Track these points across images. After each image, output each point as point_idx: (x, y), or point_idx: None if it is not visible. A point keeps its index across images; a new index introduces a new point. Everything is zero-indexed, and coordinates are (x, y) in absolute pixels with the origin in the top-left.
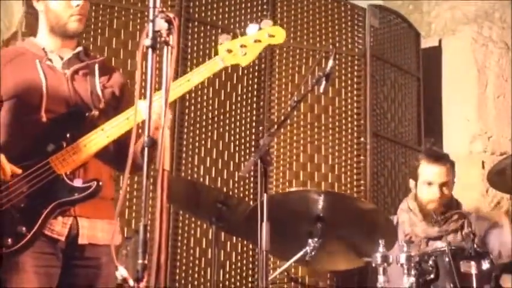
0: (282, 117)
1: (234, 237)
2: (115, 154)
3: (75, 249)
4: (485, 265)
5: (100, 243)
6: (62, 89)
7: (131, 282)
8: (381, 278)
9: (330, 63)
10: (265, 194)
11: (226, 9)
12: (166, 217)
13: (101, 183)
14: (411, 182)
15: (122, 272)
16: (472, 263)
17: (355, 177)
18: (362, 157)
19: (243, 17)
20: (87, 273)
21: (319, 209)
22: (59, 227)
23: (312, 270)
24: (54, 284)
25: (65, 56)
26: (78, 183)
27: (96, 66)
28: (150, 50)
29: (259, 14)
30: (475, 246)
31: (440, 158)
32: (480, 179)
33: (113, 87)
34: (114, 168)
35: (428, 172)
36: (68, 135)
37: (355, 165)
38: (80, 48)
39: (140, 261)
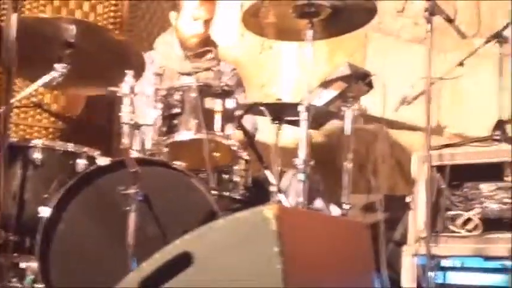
0: None
1: None
2: None
3: None
4: (230, 104)
5: None
6: None
7: None
8: (125, 108)
9: None
10: (14, 15)
11: None
12: None
13: None
14: (172, 15)
15: None
16: (217, 100)
17: (112, 8)
18: None
19: None
20: None
21: (70, 35)
22: None
23: (59, 97)
24: None
25: None
26: None
27: None
28: None
29: None
30: (222, 84)
31: None
32: (237, 21)
33: None
34: None
35: (196, 6)
36: None
37: None
38: None
39: None
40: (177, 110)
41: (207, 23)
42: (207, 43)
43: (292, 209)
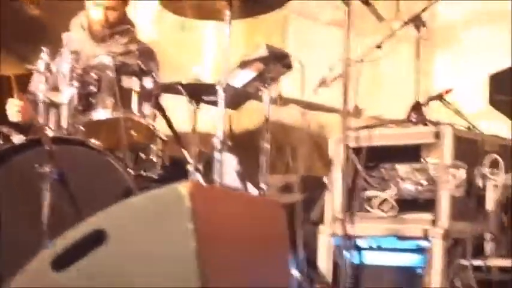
0: None
1: None
2: None
3: None
4: (147, 83)
5: None
6: None
7: None
8: (41, 86)
9: None
10: None
11: None
12: None
13: None
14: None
15: None
16: (135, 79)
17: None
18: None
19: None
20: None
21: None
22: None
23: None
24: None
25: None
26: None
27: None
28: None
29: None
30: (140, 63)
31: None
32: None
33: None
34: None
35: None
36: None
37: None
38: None
39: None
40: (93, 89)
41: (109, 9)
42: (115, 28)
43: (207, 186)
